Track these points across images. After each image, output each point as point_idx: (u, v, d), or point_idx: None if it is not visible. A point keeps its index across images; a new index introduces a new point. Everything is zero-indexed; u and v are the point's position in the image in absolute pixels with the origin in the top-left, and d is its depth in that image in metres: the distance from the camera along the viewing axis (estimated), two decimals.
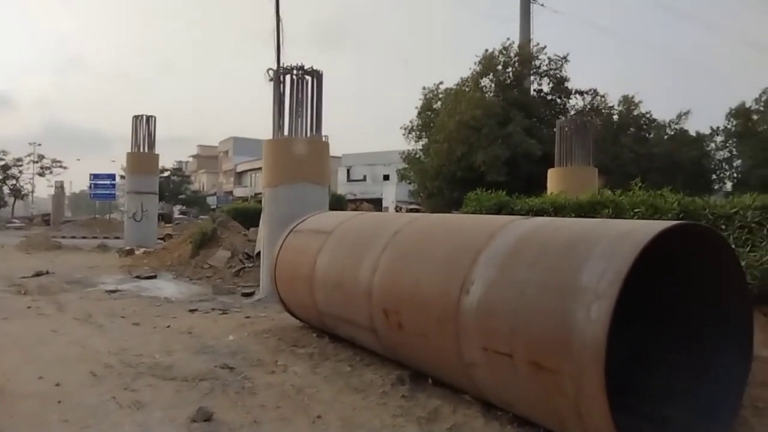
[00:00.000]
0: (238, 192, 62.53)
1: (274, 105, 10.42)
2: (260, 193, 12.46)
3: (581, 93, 27.59)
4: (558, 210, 7.01)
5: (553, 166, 17.31)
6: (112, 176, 31.65)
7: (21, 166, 52.83)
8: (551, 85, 27.19)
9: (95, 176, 30.95)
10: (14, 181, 53.20)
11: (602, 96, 28.10)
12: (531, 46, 26.66)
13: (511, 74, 26.09)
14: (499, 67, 26.02)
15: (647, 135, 29.14)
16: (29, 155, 53.96)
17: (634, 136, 28.15)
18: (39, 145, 57.07)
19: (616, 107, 28.84)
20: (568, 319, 3.26)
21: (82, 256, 18.31)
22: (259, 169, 14.85)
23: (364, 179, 54.60)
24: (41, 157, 54.78)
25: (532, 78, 26.79)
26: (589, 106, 27.48)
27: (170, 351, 6.06)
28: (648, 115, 29.36)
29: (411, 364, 5.02)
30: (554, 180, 16.25)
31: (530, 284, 3.63)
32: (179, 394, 4.64)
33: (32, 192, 58.82)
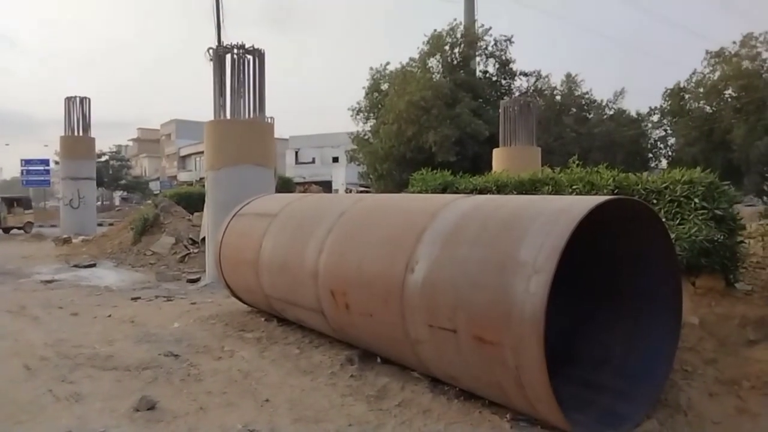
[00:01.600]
0: (182, 176, 60.55)
1: (215, 85, 10.15)
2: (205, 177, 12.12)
3: (525, 74, 28.14)
4: (500, 188, 7.14)
5: (498, 146, 17.67)
6: (45, 161, 29.95)
7: None
8: (497, 66, 27.55)
9: (27, 162, 29.26)
10: None
11: (546, 77, 28.76)
12: (476, 27, 26.84)
13: (457, 55, 26.22)
14: (446, 48, 26.11)
15: (588, 115, 30.02)
16: None
17: (575, 117, 28.95)
18: None
19: (559, 88, 29.55)
20: (508, 293, 3.34)
21: (14, 246, 17.45)
22: (204, 152, 14.46)
23: (313, 162, 53.85)
24: None
25: (477, 59, 27.01)
26: (532, 88, 28.04)
27: (111, 341, 5.87)
28: (588, 95, 30.25)
29: (360, 344, 5.04)
30: (499, 159, 16.61)
31: (471, 260, 3.69)
32: (120, 384, 4.51)
33: None
